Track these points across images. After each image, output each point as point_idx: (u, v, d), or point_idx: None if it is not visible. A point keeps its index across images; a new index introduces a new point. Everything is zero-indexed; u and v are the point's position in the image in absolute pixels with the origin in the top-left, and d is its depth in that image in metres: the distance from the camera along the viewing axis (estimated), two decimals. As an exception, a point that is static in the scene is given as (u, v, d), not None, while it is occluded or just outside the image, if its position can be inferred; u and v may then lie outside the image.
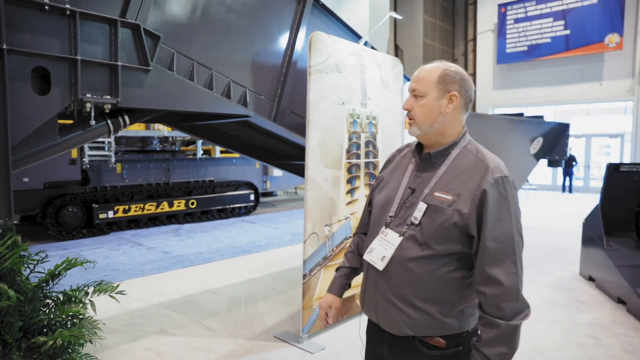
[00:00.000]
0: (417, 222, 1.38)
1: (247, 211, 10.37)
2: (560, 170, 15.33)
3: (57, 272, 2.44)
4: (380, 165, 4.02)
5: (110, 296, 2.57)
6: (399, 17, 15.26)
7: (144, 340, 3.60)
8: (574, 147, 15.40)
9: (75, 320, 2.45)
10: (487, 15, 17.98)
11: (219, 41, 3.59)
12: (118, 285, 2.65)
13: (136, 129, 9.01)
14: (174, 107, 3.35)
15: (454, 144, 1.44)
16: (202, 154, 9.91)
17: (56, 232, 7.41)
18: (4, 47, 2.43)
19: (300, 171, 5.36)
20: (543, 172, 14.19)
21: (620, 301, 4.37)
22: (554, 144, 7.50)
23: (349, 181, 3.77)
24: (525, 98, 16.97)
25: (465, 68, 18.89)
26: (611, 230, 5.31)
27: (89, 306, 2.52)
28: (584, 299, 4.57)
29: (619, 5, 14.68)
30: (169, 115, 4.24)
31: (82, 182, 7.84)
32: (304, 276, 3.47)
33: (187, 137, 9.74)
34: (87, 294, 2.57)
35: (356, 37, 4.75)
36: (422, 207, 1.38)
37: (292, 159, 5.44)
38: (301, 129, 4.05)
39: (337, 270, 1.74)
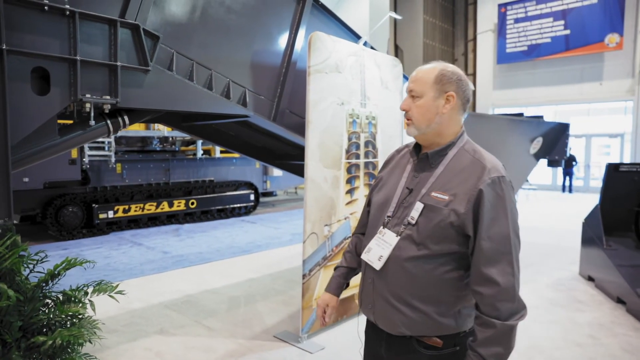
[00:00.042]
0: (413, 222, 1.39)
1: (247, 211, 10.37)
2: (560, 170, 15.33)
3: (56, 272, 2.45)
4: (380, 165, 4.03)
5: (110, 296, 2.58)
6: (398, 17, 15.27)
7: (143, 340, 3.60)
8: (574, 147, 15.41)
9: (74, 320, 2.45)
10: (487, 15, 17.98)
11: (218, 41, 3.59)
12: (117, 285, 2.65)
13: (136, 129, 9.02)
14: (173, 107, 3.35)
15: (451, 144, 1.44)
16: (202, 154, 9.92)
17: (56, 232, 7.41)
18: (4, 47, 2.43)
19: (300, 171, 5.36)
20: (543, 172, 14.19)
21: (619, 301, 4.38)
22: (554, 143, 7.50)
23: (349, 181, 3.78)
24: (525, 98, 16.97)
25: (465, 68, 18.90)
26: (611, 230, 5.31)
27: (88, 306, 2.52)
28: (583, 299, 4.57)
29: (619, 5, 14.68)
30: (168, 115, 4.24)
31: (82, 182, 7.85)
32: (304, 276, 3.48)
33: (187, 137, 9.74)
34: (86, 293, 2.57)
35: (356, 37, 4.76)
36: (419, 207, 1.39)
37: (292, 159, 5.44)
38: (301, 129, 4.05)
39: (335, 269, 1.74)
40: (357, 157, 3.84)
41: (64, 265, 2.48)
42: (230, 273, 5.53)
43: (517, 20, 16.88)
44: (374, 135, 4.00)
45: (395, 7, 17.49)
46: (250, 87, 3.86)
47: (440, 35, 18.66)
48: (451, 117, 1.42)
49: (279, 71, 4.10)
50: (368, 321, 1.58)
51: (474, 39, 18.66)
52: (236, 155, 9.89)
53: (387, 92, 4.13)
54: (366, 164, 3.94)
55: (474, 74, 18.53)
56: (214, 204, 9.56)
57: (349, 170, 3.76)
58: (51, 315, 2.38)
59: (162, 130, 9.29)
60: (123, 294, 2.61)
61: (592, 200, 9.85)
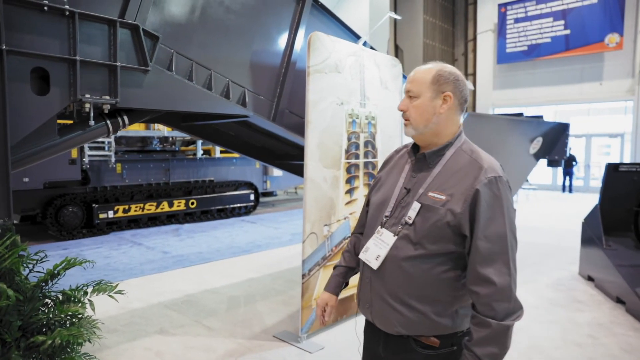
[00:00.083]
0: (411, 221, 1.39)
1: (247, 211, 10.38)
2: (560, 170, 15.33)
3: (56, 272, 2.45)
4: (379, 165, 4.03)
5: (110, 296, 2.58)
6: (397, 17, 15.26)
7: (143, 339, 3.60)
8: (574, 147, 15.41)
9: (74, 319, 2.46)
10: (487, 15, 17.98)
11: (218, 41, 3.60)
12: (117, 285, 2.65)
13: (136, 129, 9.02)
14: (173, 108, 3.36)
15: (449, 144, 1.44)
16: (202, 154, 9.93)
17: (56, 232, 7.42)
18: (3, 47, 2.44)
19: (300, 171, 5.36)
20: (543, 172, 14.19)
21: (619, 301, 4.38)
22: (554, 143, 7.50)
23: (348, 181, 3.78)
24: (526, 98, 16.97)
25: (465, 68, 18.91)
26: (610, 230, 5.31)
27: (88, 306, 2.52)
28: (583, 299, 4.57)
29: (619, 5, 14.68)
30: (168, 115, 4.25)
31: (82, 182, 7.85)
32: (303, 276, 3.48)
33: (187, 137, 9.75)
34: (86, 293, 2.58)
35: (355, 37, 4.76)
36: (416, 206, 1.39)
37: (292, 159, 5.45)
38: (300, 129, 4.05)
39: (334, 268, 1.75)
40: (357, 157, 3.84)
41: (63, 265, 2.49)
42: (230, 273, 5.54)
43: (517, 20, 16.88)
44: (374, 135, 4.00)
45: (395, 7, 17.49)
46: (250, 87, 3.87)
47: (440, 35, 18.66)
48: (448, 117, 1.43)
49: (278, 71, 4.10)
50: (366, 320, 1.58)
51: (474, 39, 18.66)
52: (236, 155, 9.90)
53: (387, 92, 4.14)
54: (366, 164, 3.94)
55: (474, 74, 18.53)
56: (214, 204, 9.57)
57: (348, 170, 3.77)
58: (51, 315, 2.38)
59: (162, 130, 9.29)
60: (122, 293, 2.62)
61: (592, 200, 9.84)
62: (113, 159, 8.05)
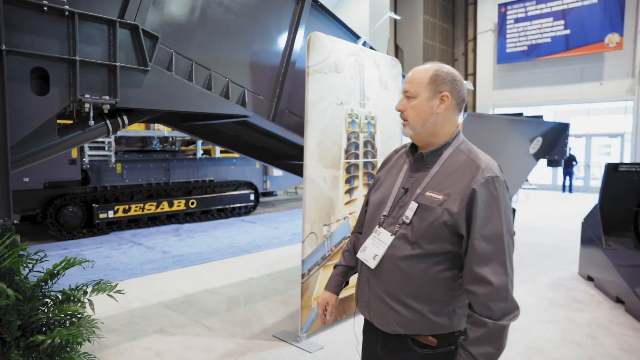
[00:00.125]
0: (408, 221, 1.40)
1: (247, 211, 10.38)
2: (560, 170, 15.33)
3: (55, 272, 2.46)
4: (379, 165, 4.03)
5: (109, 295, 2.59)
6: (397, 17, 15.27)
7: (143, 339, 3.61)
8: (575, 146, 15.41)
9: (73, 319, 2.46)
10: (487, 15, 17.98)
11: (217, 41, 3.60)
12: (116, 285, 2.66)
13: (136, 129, 9.02)
14: (172, 108, 3.36)
15: (446, 144, 1.45)
16: (202, 154, 9.93)
17: (56, 231, 7.42)
18: (3, 47, 2.45)
19: (300, 171, 5.35)
20: (543, 172, 14.19)
21: (618, 301, 4.38)
22: (554, 143, 7.50)
23: (348, 181, 3.78)
24: (526, 98, 16.98)
25: (465, 68, 18.90)
26: (610, 230, 5.31)
27: (87, 305, 2.53)
28: (582, 299, 4.57)
29: (619, 5, 14.68)
30: (167, 115, 4.25)
31: (82, 182, 7.86)
32: (303, 276, 3.49)
33: (187, 137, 9.75)
34: (85, 293, 2.58)
35: (355, 37, 4.76)
36: (413, 206, 1.40)
37: (292, 158, 5.45)
38: (300, 129, 4.06)
39: (334, 268, 1.76)
40: (356, 157, 3.84)
41: (63, 264, 2.49)
42: (230, 273, 5.54)
43: (517, 20, 16.88)
44: (373, 135, 4.01)
45: (395, 7, 17.49)
46: (250, 87, 3.87)
47: (440, 35, 18.67)
48: (446, 117, 1.43)
49: (278, 71, 4.11)
50: (365, 320, 1.59)
51: (474, 38, 18.66)
52: (236, 155, 9.90)
53: (386, 92, 4.14)
54: (365, 164, 3.95)
55: (474, 74, 18.53)
56: (214, 203, 9.57)
57: (348, 170, 3.77)
58: (50, 315, 2.39)
59: (162, 130, 9.30)
60: (122, 293, 2.62)
61: (592, 200, 9.84)
62: (113, 159, 8.06)
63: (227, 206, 9.85)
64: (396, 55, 17.36)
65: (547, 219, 9.65)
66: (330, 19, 4.49)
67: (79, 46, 2.75)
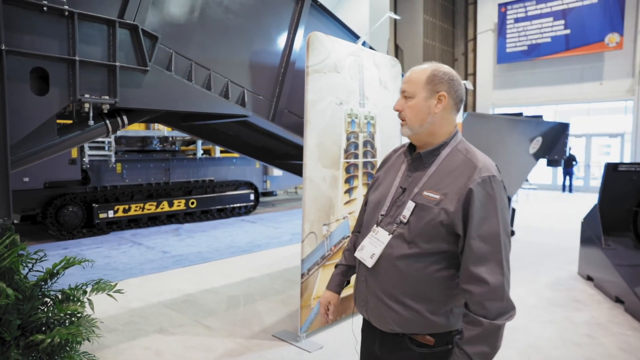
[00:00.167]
0: (405, 220, 1.40)
1: (247, 211, 10.39)
2: (560, 169, 15.34)
3: (55, 271, 2.46)
4: (378, 165, 4.04)
5: (109, 295, 2.59)
6: (397, 17, 15.26)
7: (143, 339, 3.61)
8: (574, 146, 15.41)
9: (73, 318, 2.47)
10: (487, 15, 17.98)
11: (217, 41, 3.61)
12: (116, 284, 2.66)
13: (136, 129, 9.03)
14: (172, 108, 3.36)
15: (444, 143, 1.45)
16: (202, 154, 9.94)
17: (56, 231, 7.43)
18: (3, 47, 2.45)
19: (299, 171, 5.35)
20: (543, 172, 14.19)
21: (618, 300, 4.38)
22: (554, 143, 7.51)
23: (347, 181, 3.79)
24: (525, 98, 16.97)
25: (465, 68, 18.90)
26: (609, 229, 5.31)
27: (87, 305, 2.53)
28: (582, 299, 4.58)
29: (619, 4, 14.68)
30: (167, 115, 4.25)
31: (82, 182, 7.87)
32: (302, 275, 3.49)
33: (187, 136, 9.75)
34: (85, 292, 2.59)
35: (354, 37, 4.77)
36: (410, 205, 1.40)
37: (292, 158, 5.45)
38: (300, 129, 4.06)
39: (335, 267, 1.76)
40: (356, 156, 3.85)
41: (62, 264, 2.50)
42: (230, 272, 5.55)
43: (517, 20, 16.88)
44: (373, 135, 4.01)
45: (395, 7, 17.49)
46: (249, 87, 3.87)
47: (440, 35, 18.67)
48: (444, 117, 1.43)
49: (277, 71, 4.11)
50: (363, 319, 1.59)
51: (474, 38, 18.66)
52: (236, 155, 9.91)
53: (386, 92, 4.14)
54: (365, 164, 3.95)
55: (474, 74, 18.53)
56: (213, 203, 9.58)
57: (347, 170, 3.77)
58: (50, 314, 2.39)
59: (162, 130, 9.31)
60: (122, 292, 2.63)
61: (592, 200, 9.84)
62: (113, 159, 8.06)
63: (227, 206, 9.85)
64: (396, 55, 17.36)
65: (547, 219, 9.65)
66: (329, 19, 4.49)
67: (78, 46, 2.75)
